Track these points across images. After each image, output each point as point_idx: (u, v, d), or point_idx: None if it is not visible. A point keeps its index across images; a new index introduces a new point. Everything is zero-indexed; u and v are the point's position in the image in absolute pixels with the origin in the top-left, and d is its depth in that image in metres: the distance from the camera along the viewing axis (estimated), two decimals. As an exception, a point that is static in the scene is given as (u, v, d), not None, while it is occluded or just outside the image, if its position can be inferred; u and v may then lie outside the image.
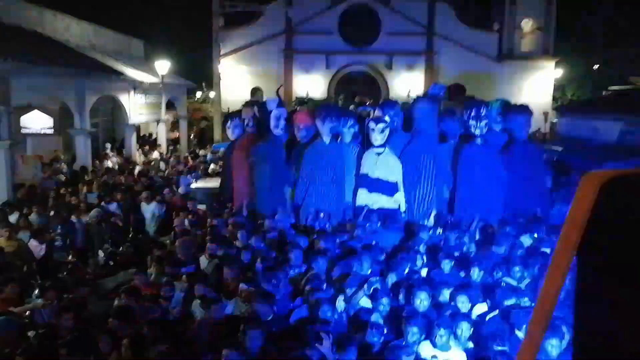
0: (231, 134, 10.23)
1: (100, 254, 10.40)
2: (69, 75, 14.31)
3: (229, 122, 10.26)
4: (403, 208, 8.52)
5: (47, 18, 17.05)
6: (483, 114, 8.40)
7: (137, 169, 16.51)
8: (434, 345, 4.83)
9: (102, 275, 8.66)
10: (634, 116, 15.64)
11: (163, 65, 19.31)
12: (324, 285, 5.85)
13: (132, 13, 28.24)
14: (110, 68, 16.74)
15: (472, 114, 8.41)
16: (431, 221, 8.26)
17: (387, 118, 8.48)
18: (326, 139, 8.63)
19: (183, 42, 29.16)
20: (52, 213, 10.70)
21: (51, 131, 12.56)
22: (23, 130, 12.24)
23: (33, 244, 9.33)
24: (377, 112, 8.69)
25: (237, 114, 10.40)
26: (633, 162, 1.34)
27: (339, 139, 8.79)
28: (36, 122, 12.31)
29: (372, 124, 8.45)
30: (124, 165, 17.17)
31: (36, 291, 7.72)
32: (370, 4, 26.64)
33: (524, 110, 8.83)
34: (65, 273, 8.80)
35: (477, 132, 8.40)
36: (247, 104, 10.21)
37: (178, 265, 7.17)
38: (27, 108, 12.18)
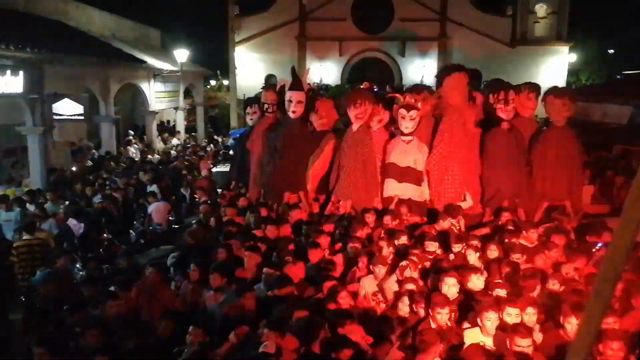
0: (249, 119, 10.33)
1: (132, 233, 11.32)
2: (94, 64, 15.20)
3: (248, 107, 10.36)
4: (427, 198, 8.34)
5: (70, 9, 17.92)
6: (511, 98, 8.23)
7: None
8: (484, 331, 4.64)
9: (134, 251, 9.57)
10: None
11: (182, 54, 20.14)
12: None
13: (149, 2, 29.07)
14: (132, 57, 17.59)
15: (500, 97, 8.23)
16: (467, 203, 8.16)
17: (419, 105, 8.24)
18: (355, 126, 8.40)
19: (198, 30, 29.95)
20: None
21: (82, 118, 13.43)
22: (55, 117, 13.11)
23: (72, 222, 10.19)
24: (409, 99, 8.33)
25: (255, 99, 10.63)
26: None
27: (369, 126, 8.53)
28: (67, 109, 13.19)
29: (403, 111, 8.18)
30: (145, 151, 18.11)
31: (78, 264, 8.63)
32: (383, -10, 27.15)
33: (563, 93, 8.52)
34: (101, 250, 9.76)
35: (504, 115, 8.23)
36: (266, 89, 10.16)
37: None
38: (59, 96, 13.04)
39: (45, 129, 12.98)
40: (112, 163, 14.93)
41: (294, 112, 8.89)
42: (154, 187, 11.79)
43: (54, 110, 13.04)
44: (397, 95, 8.80)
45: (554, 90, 8.72)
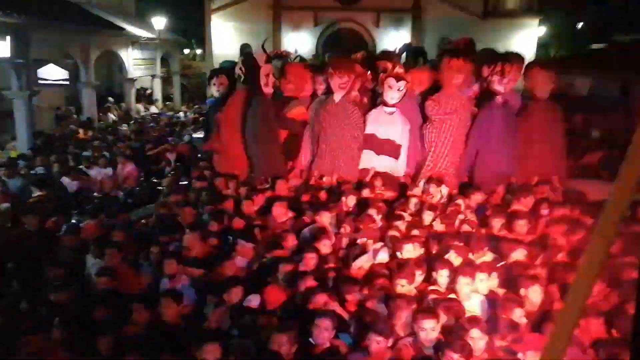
0: (215, 90, 9.62)
1: (120, 193, 12.16)
2: (76, 31, 15.76)
3: (214, 78, 9.66)
4: (402, 173, 8.18)
5: (48, -26, 18.28)
6: (508, 70, 7.77)
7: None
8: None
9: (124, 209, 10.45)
10: (603, 72, 17.63)
11: (159, 21, 20.68)
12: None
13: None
14: (111, 24, 18.13)
15: (497, 68, 7.79)
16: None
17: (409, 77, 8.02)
18: (337, 96, 8.10)
19: (173, -2, 30.22)
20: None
21: (67, 83, 14.07)
22: (40, 82, 13.73)
23: (66, 180, 10.98)
24: (398, 69, 8.06)
25: (220, 70, 10.17)
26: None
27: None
28: (52, 74, 13.80)
29: (392, 81, 7.91)
30: (124, 117, 18.80)
31: (73, 220, 9.48)
32: (358, -40, 27.77)
33: (548, 65, 8.33)
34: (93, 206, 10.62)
35: (501, 89, 7.83)
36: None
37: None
38: (44, 61, 13.65)
39: (31, 93, 13.61)
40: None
41: (266, 85, 8.40)
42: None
43: (40, 76, 13.63)
44: (387, 62, 8.45)
45: (538, 62, 8.65)
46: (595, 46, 27.86)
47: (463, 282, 4.88)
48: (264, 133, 8.35)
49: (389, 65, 8.18)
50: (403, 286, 4.92)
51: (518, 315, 4.43)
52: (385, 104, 8.05)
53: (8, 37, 12.52)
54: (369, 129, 8.11)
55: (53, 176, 11.10)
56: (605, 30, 29.77)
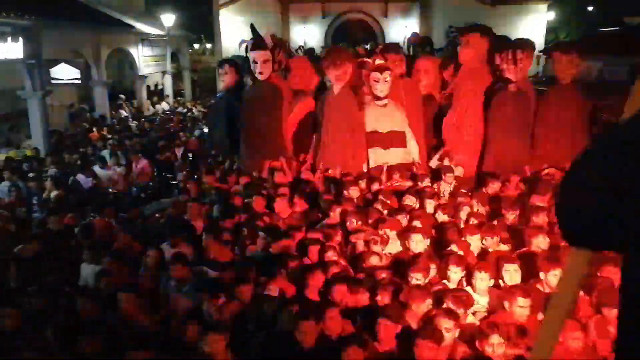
0: (221, 81, 9.79)
1: (134, 189, 12.51)
2: (86, 30, 16.12)
3: (220, 69, 9.77)
4: (417, 158, 8.17)
5: (57, -25, 18.65)
6: (519, 57, 7.86)
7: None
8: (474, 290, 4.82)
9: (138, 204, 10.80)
10: (611, 56, 17.62)
11: (169, 18, 20.98)
12: None
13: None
14: (121, 22, 18.46)
15: (508, 57, 7.86)
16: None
17: (392, 67, 8.06)
18: (336, 88, 8.07)
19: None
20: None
21: (79, 82, 14.43)
22: (53, 82, 14.09)
23: (81, 177, 11.33)
24: (380, 60, 8.09)
25: (227, 60, 10.27)
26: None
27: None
28: (64, 73, 14.16)
29: (376, 74, 7.89)
30: (135, 114, 19.18)
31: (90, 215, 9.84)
32: (365, -49, 27.88)
33: (569, 49, 8.14)
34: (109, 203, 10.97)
35: (512, 76, 7.92)
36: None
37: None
38: (56, 61, 14.01)
39: (44, 93, 13.97)
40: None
41: (260, 73, 8.35)
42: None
43: (53, 75, 14.00)
44: (366, 59, 8.54)
45: (560, 46, 8.49)
46: (605, 30, 27.73)
47: (479, 277, 4.76)
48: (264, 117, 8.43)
49: (369, 61, 8.21)
50: (418, 280, 4.82)
51: (521, 304, 4.27)
52: (377, 98, 7.99)
53: (21, 39, 12.86)
54: (369, 127, 8.08)
55: (67, 174, 11.45)
56: (616, 14, 29.52)
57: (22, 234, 7.63)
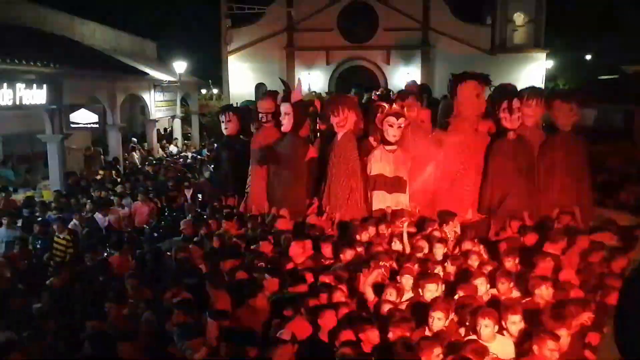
0: (224, 128, 10.36)
1: (145, 227, 13.14)
2: (103, 77, 17.07)
3: (222, 116, 10.40)
4: (409, 207, 8.34)
5: (75, 24, 19.83)
6: (516, 106, 8.02)
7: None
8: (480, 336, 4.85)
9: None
10: (607, 103, 18.52)
11: (180, 66, 22.10)
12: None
13: (144, 17, 31.10)
14: (135, 69, 19.49)
15: (504, 106, 8.07)
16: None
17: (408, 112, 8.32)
18: (339, 134, 8.54)
19: (191, 42, 31.94)
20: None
21: (97, 126, 15.27)
22: (72, 126, 14.92)
23: (98, 216, 11.97)
24: (396, 106, 8.33)
25: (229, 107, 10.96)
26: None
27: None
28: (83, 118, 15.01)
29: (392, 119, 8.10)
30: (146, 157, 20.00)
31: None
32: (368, 0, 29.14)
33: (569, 97, 8.41)
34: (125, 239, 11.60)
35: (508, 125, 8.12)
36: (262, 97, 10.15)
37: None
38: (76, 106, 14.89)
39: (63, 136, 14.79)
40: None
41: (282, 125, 8.96)
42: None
43: (71, 120, 14.84)
44: (381, 103, 8.79)
45: (560, 94, 8.79)
46: (604, 78, 28.71)
47: (483, 324, 4.81)
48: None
49: (386, 105, 8.46)
50: (440, 319, 4.94)
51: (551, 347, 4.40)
52: (388, 143, 8.26)
53: (45, 85, 13.75)
54: (375, 170, 8.32)
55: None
56: (613, 63, 30.58)
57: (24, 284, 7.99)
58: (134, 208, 12.54)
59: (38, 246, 10.21)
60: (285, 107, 8.86)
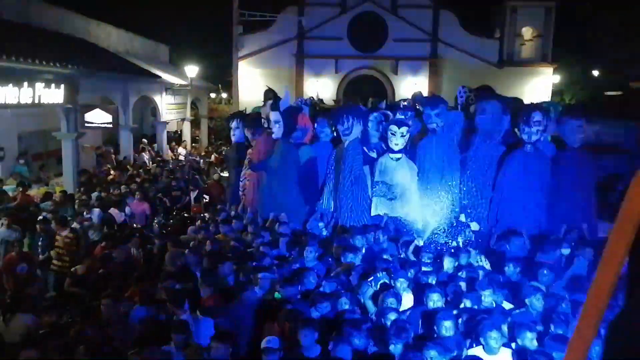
0: (232, 135, 10.79)
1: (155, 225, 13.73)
2: (117, 79, 17.75)
3: (232, 122, 10.80)
4: (415, 217, 8.40)
5: (92, 27, 20.56)
6: (535, 120, 8.05)
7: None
8: (487, 350, 4.87)
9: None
10: (608, 120, 18.95)
11: (192, 70, 22.78)
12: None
13: (158, 20, 31.89)
14: (148, 72, 20.18)
15: (524, 118, 8.11)
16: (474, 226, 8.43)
17: (410, 122, 8.49)
18: (345, 143, 8.69)
19: (202, 47, 32.69)
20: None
21: (110, 126, 15.93)
22: (87, 125, 15.58)
23: (115, 211, 12.55)
24: (400, 115, 8.57)
25: (238, 114, 11.27)
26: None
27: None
28: (98, 118, 15.67)
29: (394, 127, 8.28)
30: (156, 158, 20.65)
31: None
32: (377, 11, 29.72)
33: (578, 114, 8.51)
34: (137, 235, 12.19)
35: (526, 137, 8.16)
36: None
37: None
38: (91, 106, 15.56)
39: (78, 135, 15.44)
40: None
41: (273, 133, 9.25)
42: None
43: (87, 119, 15.51)
44: (387, 112, 9.05)
45: (569, 111, 8.85)
46: (610, 94, 29.10)
47: (492, 337, 4.86)
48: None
49: (390, 114, 8.78)
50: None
51: None
52: (392, 151, 8.43)
53: (62, 86, 14.40)
54: (378, 177, 8.50)
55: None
56: (620, 78, 30.94)
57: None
58: (131, 207, 13.14)
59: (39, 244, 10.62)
60: (274, 115, 9.18)
